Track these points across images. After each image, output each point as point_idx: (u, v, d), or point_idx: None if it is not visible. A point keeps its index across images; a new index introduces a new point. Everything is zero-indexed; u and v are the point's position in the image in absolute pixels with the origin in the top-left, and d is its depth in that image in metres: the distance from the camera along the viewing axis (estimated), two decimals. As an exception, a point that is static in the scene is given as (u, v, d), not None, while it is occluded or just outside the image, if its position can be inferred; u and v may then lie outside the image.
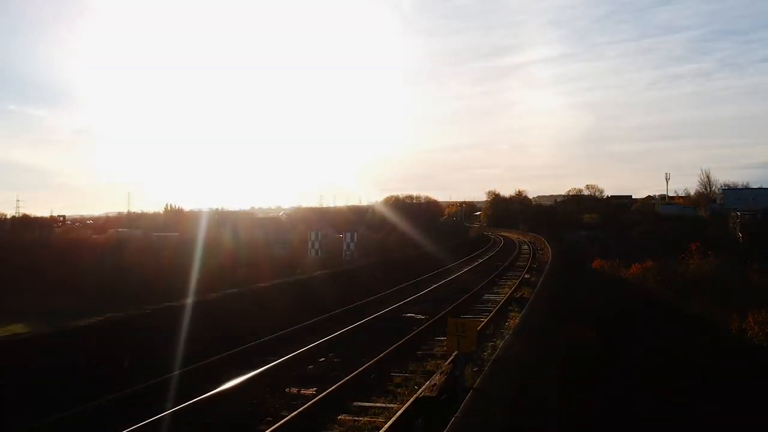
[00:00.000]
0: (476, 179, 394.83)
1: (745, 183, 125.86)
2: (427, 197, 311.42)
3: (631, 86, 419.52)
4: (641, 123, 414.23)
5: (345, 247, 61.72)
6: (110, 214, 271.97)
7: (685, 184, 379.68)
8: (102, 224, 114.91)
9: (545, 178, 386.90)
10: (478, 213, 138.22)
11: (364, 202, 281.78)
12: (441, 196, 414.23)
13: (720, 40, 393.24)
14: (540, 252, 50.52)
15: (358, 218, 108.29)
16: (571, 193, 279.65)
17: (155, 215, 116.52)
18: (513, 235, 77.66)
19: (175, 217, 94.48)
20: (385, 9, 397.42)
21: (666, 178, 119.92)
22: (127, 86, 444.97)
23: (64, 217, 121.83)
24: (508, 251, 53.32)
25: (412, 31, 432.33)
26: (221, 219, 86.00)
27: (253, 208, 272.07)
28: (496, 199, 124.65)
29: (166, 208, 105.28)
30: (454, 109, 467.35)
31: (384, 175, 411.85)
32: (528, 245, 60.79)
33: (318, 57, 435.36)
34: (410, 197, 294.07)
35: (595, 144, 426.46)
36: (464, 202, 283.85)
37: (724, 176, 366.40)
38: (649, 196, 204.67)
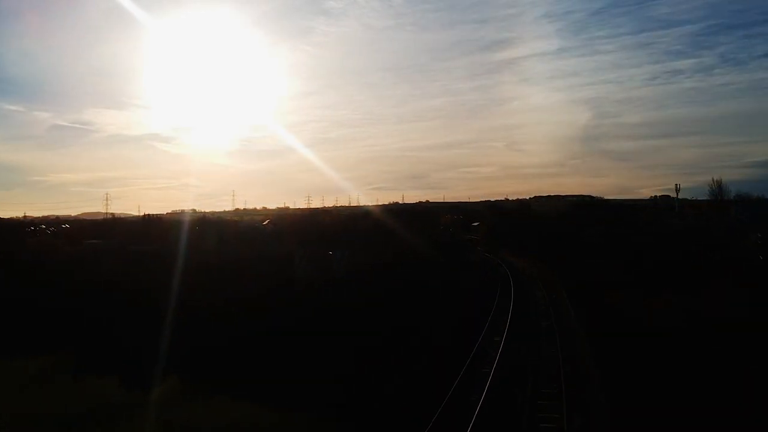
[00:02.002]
0: (470, 178, 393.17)
1: (757, 189, 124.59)
2: (419, 202, 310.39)
3: (629, 82, 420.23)
4: (640, 120, 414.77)
5: (335, 265, 60.35)
6: (87, 215, 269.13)
7: (685, 183, 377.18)
8: (78, 231, 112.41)
9: (542, 177, 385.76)
10: (476, 224, 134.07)
11: (354, 203, 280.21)
12: (433, 195, 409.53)
13: (721, 35, 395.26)
14: (559, 309, 42.10)
15: (352, 223, 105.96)
16: (572, 194, 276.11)
17: (133, 222, 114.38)
18: (520, 263, 70.93)
19: (154, 226, 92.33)
20: (375, 2, 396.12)
21: (676, 189, 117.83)
22: (109, 81, 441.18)
23: (35, 227, 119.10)
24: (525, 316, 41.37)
25: (402, 25, 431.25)
26: (203, 230, 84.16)
27: (237, 209, 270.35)
28: (497, 213, 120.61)
29: (144, 217, 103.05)
30: (446, 106, 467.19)
31: (374, 174, 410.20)
32: (542, 292, 50.85)
33: (309, 51, 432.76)
34: (403, 204, 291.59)
35: (593, 141, 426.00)
36: (459, 206, 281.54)
37: (727, 175, 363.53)
38: (653, 197, 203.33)
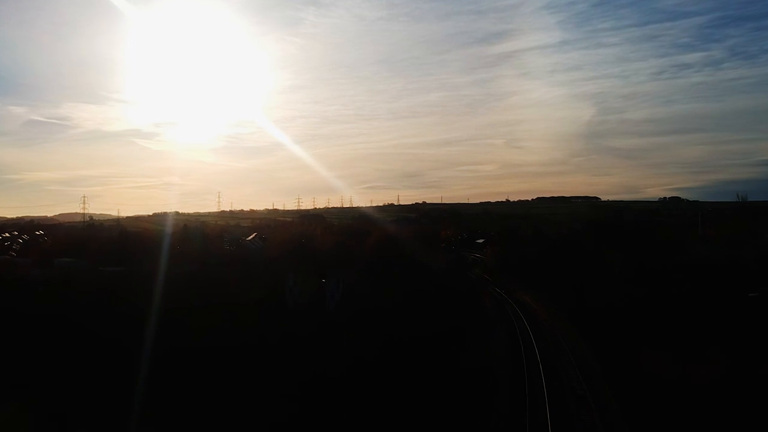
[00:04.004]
0: (468, 177, 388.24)
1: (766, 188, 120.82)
2: (416, 203, 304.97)
3: (634, 76, 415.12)
4: (646, 116, 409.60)
5: (329, 297, 56.13)
6: (64, 216, 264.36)
7: (693, 182, 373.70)
8: (52, 241, 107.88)
9: (544, 176, 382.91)
10: (480, 241, 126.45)
11: (347, 203, 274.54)
12: (430, 195, 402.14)
13: (730, 27, 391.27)
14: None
15: (349, 240, 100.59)
16: (577, 195, 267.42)
17: (110, 233, 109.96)
18: (537, 308, 58.86)
19: (131, 241, 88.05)
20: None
21: (701, 214, 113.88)
22: (88, 74, 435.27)
23: (7, 233, 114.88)
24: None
25: (396, 16, 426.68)
26: (186, 244, 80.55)
27: (223, 212, 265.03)
28: (504, 232, 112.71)
29: (120, 233, 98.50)
30: (442, 101, 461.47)
31: (367, 173, 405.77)
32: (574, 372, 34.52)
33: (298, 43, 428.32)
34: (399, 205, 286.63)
35: (597, 138, 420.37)
36: (457, 207, 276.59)
37: (736, 174, 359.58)
38: (662, 199, 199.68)
